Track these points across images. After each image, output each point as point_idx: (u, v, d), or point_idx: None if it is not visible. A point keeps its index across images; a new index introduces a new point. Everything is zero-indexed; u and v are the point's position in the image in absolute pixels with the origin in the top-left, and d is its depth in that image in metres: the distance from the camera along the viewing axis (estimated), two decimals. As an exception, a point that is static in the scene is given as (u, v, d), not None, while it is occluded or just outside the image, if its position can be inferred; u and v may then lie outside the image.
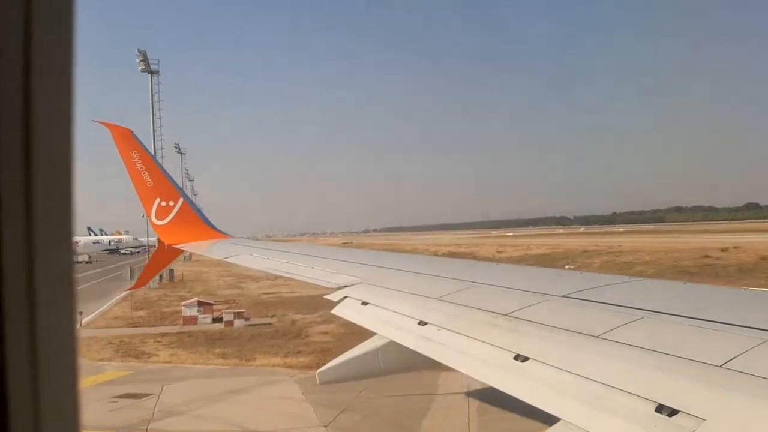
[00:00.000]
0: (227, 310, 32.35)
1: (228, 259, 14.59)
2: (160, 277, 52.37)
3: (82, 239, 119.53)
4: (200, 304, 32.70)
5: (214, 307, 33.11)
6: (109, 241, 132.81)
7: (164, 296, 45.41)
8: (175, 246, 17.41)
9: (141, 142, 17.34)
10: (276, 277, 23.70)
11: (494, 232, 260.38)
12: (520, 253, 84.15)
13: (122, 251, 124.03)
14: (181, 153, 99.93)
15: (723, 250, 67.36)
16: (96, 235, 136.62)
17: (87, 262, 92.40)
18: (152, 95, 64.48)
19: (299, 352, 23.43)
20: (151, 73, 64.33)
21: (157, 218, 17.39)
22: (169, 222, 17.36)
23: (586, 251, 79.36)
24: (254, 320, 31.80)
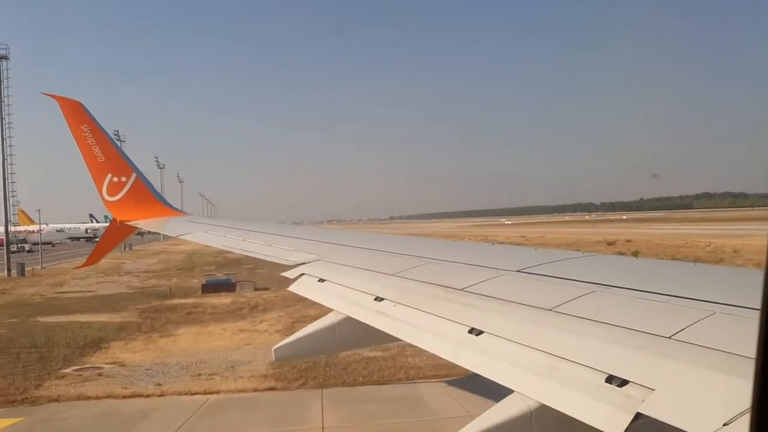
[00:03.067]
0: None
1: (183, 237, 14.28)
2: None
3: (45, 227, 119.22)
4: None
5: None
6: (86, 229, 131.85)
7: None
8: (128, 223, 16.99)
9: (92, 115, 16.72)
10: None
11: (505, 220, 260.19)
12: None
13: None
14: (120, 140, 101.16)
15: (609, 243, 68.47)
16: (97, 222, 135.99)
17: (27, 251, 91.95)
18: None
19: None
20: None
21: (109, 194, 16.88)
22: (121, 198, 16.89)
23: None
24: None
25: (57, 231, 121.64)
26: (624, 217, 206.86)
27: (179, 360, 21.00)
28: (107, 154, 16.76)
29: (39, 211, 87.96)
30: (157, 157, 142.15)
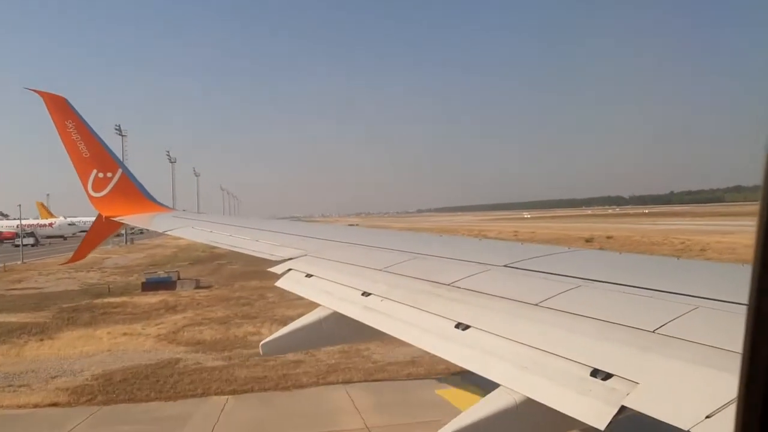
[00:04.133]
0: None
1: (169, 232, 14.19)
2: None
3: (57, 220, 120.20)
4: None
5: None
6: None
7: None
8: (114, 219, 16.84)
9: (76, 111, 16.54)
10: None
11: (526, 214, 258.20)
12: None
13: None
14: (122, 135, 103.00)
15: (588, 240, 67.72)
16: None
17: (32, 245, 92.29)
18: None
19: None
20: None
21: (94, 190, 16.74)
22: (106, 194, 16.75)
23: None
24: None
25: (69, 224, 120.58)
26: (646, 211, 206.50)
27: (11, 369, 19.98)
28: (92, 150, 16.59)
29: (42, 203, 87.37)
30: (168, 151, 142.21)
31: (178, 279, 39.27)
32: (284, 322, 27.43)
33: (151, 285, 37.69)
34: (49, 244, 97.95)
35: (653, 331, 3.42)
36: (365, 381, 17.57)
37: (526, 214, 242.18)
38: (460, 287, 5.18)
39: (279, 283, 7.78)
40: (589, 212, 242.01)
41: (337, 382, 17.44)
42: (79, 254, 19.52)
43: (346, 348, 19.46)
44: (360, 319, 5.60)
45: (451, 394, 15.29)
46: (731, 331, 3.26)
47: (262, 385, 17.34)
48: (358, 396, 16.24)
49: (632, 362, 3.25)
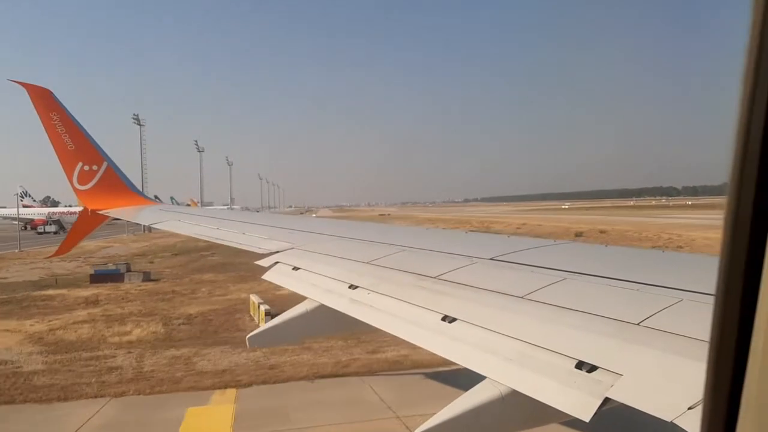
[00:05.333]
0: None
1: (156, 225, 14.11)
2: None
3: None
4: None
5: None
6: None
7: None
8: (99, 212, 16.70)
9: (61, 103, 16.36)
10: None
11: (566, 205, 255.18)
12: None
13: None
14: (140, 125, 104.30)
15: (577, 234, 66.82)
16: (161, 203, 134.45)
17: (54, 233, 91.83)
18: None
19: None
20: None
21: (80, 183, 16.61)
22: (92, 187, 16.61)
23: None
24: None
25: None
26: (689, 203, 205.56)
27: None
28: (77, 143, 16.42)
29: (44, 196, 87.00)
30: (196, 141, 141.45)
31: (127, 272, 38.81)
32: (168, 322, 24.86)
33: (99, 277, 37.45)
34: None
35: (638, 324, 3.44)
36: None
37: (565, 205, 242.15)
38: (446, 280, 5.19)
39: (266, 276, 7.75)
40: (631, 203, 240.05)
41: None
42: (63, 248, 19.35)
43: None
44: (347, 312, 5.61)
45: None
46: None
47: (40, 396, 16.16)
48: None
49: (617, 354, 3.27)
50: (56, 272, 42.92)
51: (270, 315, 21.92)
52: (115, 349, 20.70)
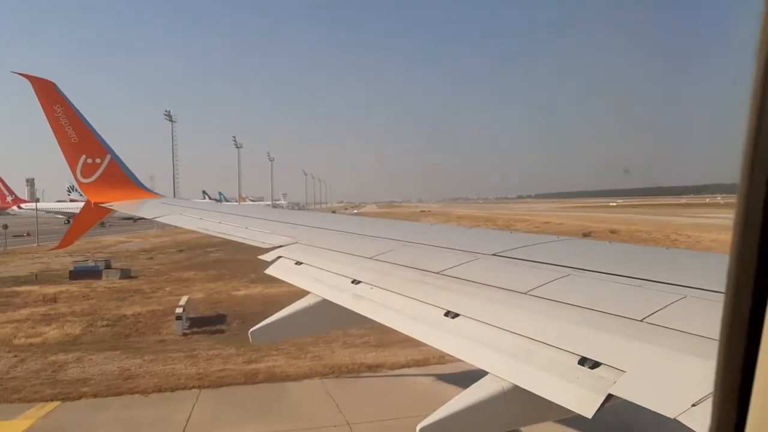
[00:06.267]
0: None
1: (159, 219, 14.11)
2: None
3: None
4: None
5: None
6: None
7: None
8: (102, 205, 16.74)
9: (64, 95, 16.39)
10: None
11: (614, 202, 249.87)
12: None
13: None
14: (172, 121, 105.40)
15: (585, 234, 64.51)
16: (209, 198, 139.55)
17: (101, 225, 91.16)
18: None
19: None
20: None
21: (83, 176, 16.66)
22: (95, 180, 16.66)
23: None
24: None
25: None
26: (707, 201, 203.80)
27: None
28: (81, 135, 16.47)
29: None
30: (234, 137, 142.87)
31: (106, 268, 38.64)
32: (93, 323, 24.37)
33: (78, 274, 37.39)
34: (109, 225, 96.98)
35: (641, 320, 3.43)
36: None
37: (613, 203, 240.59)
38: (449, 275, 5.18)
39: (269, 271, 7.75)
40: (683, 201, 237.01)
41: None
42: (66, 241, 19.41)
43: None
44: (349, 307, 5.60)
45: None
46: (718, 320, 3.24)
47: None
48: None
49: (620, 351, 3.26)
50: (52, 267, 42.84)
51: (179, 318, 22.16)
52: (7, 351, 20.00)
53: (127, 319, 25.13)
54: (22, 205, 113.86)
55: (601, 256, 5.57)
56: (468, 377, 3.95)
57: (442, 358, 16.07)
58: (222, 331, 22.45)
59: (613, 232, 69.85)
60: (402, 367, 17.22)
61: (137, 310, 26.68)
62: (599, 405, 2.98)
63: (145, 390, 15.80)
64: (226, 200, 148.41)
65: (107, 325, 23.89)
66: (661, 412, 2.66)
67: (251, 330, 6.64)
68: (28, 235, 70.87)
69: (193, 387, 16.07)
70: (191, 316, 24.32)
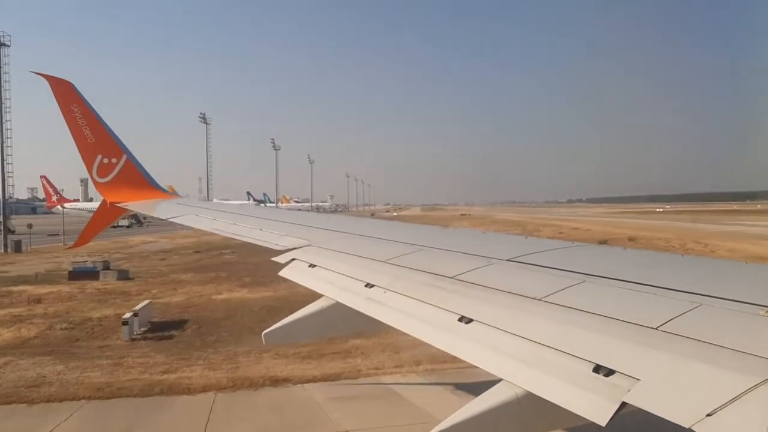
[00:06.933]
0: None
1: (173, 219, 14.15)
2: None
3: None
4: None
5: None
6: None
7: None
8: (118, 204, 16.88)
9: (82, 95, 16.55)
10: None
11: (660, 209, 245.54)
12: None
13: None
14: (207, 123, 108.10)
15: (601, 242, 63.55)
16: (254, 200, 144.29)
17: (127, 227, 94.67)
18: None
19: None
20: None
21: (99, 175, 16.77)
22: (111, 180, 16.78)
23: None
24: None
25: None
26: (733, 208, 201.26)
27: None
28: (97, 135, 16.60)
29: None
30: (273, 139, 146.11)
31: (104, 269, 38.97)
32: (54, 326, 24.23)
33: (77, 274, 37.82)
34: (147, 224, 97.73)
35: (656, 328, 3.42)
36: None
37: (659, 209, 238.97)
38: (463, 280, 5.17)
39: (282, 273, 7.77)
40: (733, 207, 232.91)
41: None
42: (81, 240, 19.56)
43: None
44: (363, 311, 5.60)
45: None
46: (734, 329, 3.22)
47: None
48: None
49: (635, 359, 3.24)
50: (63, 267, 43.11)
51: (126, 323, 21.90)
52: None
53: (90, 322, 24.90)
54: (66, 205, 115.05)
55: (616, 262, 5.55)
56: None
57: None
58: (172, 337, 22.06)
59: (631, 239, 69.06)
60: (308, 381, 16.63)
61: (106, 313, 26.49)
62: (613, 413, 2.96)
63: (35, 399, 15.57)
64: (271, 202, 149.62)
65: (65, 329, 23.70)
66: (676, 421, 2.65)
67: (264, 332, 6.64)
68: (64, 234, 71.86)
69: (83, 398, 15.76)
70: (154, 320, 24.65)
